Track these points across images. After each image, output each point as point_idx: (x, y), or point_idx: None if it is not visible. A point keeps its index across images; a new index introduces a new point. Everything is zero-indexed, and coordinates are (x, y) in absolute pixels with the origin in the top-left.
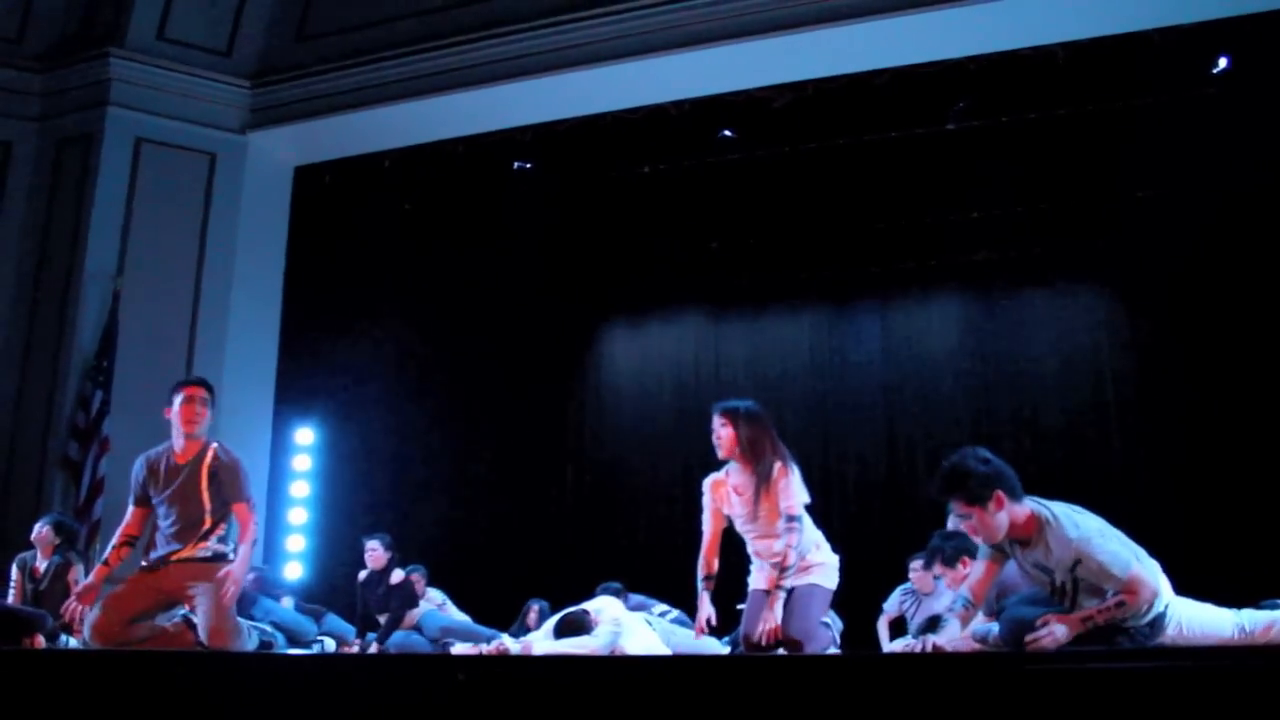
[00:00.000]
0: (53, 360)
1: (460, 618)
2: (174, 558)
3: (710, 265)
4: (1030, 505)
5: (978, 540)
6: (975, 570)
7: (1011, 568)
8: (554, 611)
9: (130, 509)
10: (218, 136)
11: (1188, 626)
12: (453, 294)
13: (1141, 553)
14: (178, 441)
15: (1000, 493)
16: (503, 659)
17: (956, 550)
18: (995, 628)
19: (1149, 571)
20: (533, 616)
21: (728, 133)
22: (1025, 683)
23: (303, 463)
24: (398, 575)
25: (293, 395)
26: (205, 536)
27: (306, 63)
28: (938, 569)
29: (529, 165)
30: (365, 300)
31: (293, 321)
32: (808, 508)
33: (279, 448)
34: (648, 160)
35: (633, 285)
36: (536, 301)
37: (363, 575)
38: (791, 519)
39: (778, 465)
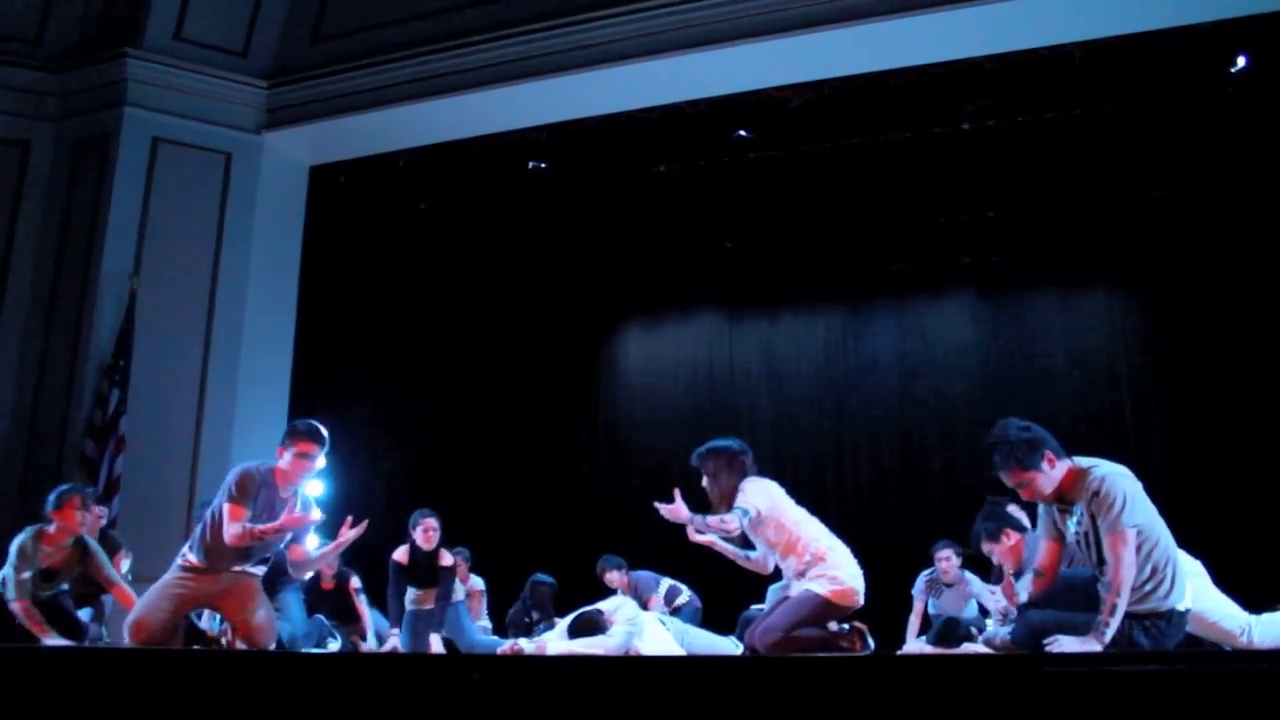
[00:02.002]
0: (70, 359)
1: (483, 622)
2: (236, 568)
3: (725, 265)
4: (1070, 461)
5: (1024, 506)
6: (1039, 551)
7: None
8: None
9: (235, 509)
10: (233, 136)
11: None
12: (468, 293)
13: (1165, 539)
14: (285, 479)
15: (1049, 452)
16: (517, 659)
17: (996, 526)
18: (1002, 631)
19: (1143, 528)
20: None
21: (743, 132)
22: (1042, 686)
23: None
24: (448, 557)
25: (308, 394)
26: (266, 559)
27: (322, 63)
28: (986, 547)
29: (544, 165)
30: (380, 299)
31: (308, 320)
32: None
33: None
34: (663, 160)
35: (648, 285)
36: (552, 301)
37: (403, 556)
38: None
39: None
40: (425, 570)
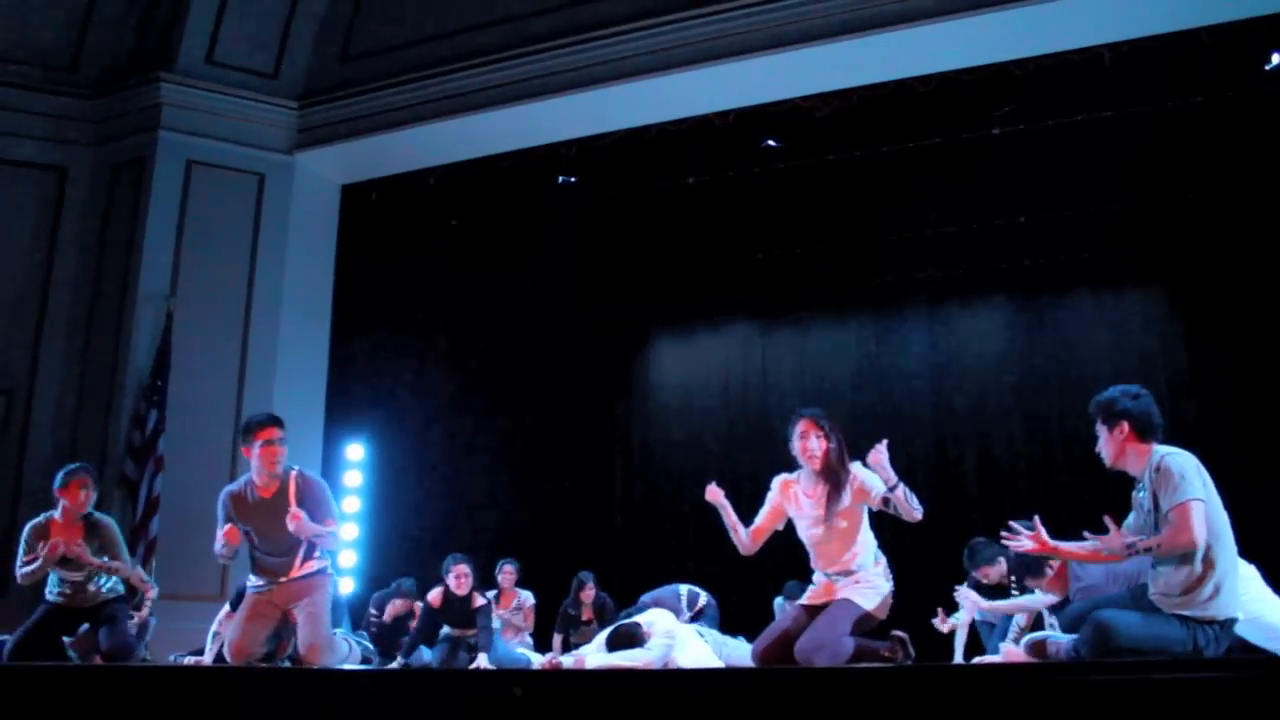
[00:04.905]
0: (109, 380)
1: (527, 637)
2: (281, 579)
3: (756, 275)
4: (1149, 445)
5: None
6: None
7: (1096, 572)
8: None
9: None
10: (266, 157)
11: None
12: (500, 308)
13: (1227, 542)
14: (260, 477)
15: (1126, 425)
16: (557, 673)
17: (1036, 560)
18: (1063, 638)
19: (1207, 526)
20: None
21: (772, 142)
22: (1089, 694)
23: (354, 478)
24: (480, 599)
25: (343, 411)
26: (308, 556)
27: (352, 83)
28: (1030, 583)
29: (574, 179)
30: (413, 316)
31: (342, 338)
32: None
33: (330, 464)
34: (692, 172)
35: (679, 297)
36: (583, 315)
37: (436, 598)
38: (892, 487)
39: (850, 474)
40: (460, 613)
